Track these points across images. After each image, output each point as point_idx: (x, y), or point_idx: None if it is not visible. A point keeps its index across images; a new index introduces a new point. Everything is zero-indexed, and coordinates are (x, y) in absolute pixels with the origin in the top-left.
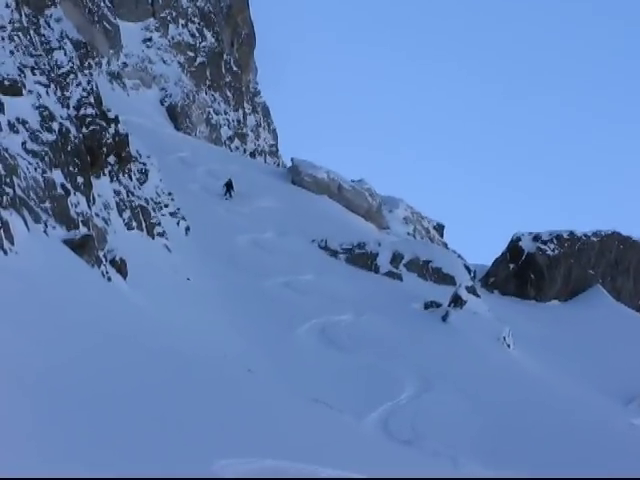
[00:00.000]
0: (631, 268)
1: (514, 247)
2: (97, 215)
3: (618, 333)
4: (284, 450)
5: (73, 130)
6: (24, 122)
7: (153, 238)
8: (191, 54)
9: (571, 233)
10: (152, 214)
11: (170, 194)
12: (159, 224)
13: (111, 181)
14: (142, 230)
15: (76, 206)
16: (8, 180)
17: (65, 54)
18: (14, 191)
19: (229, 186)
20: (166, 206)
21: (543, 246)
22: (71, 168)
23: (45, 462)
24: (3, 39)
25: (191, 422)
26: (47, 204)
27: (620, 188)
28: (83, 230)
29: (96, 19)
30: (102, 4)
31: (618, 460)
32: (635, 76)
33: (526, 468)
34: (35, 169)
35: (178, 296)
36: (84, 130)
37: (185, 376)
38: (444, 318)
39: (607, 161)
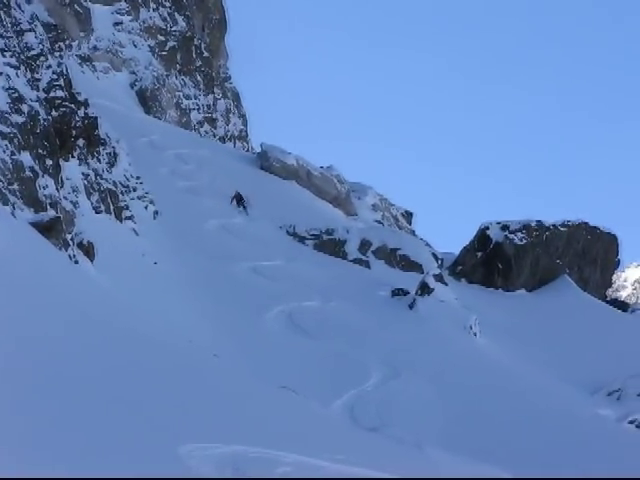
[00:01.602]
0: (598, 259)
1: (482, 236)
2: (65, 198)
3: (584, 323)
4: (250, 436)
5: (42, 112)
6: None
7: (121, 222)
8: (162, 38)
9: (539, 223)
10: (120, 198)
11: (139, 178)
12: (127, 208)
13: (80, 164)
14: (110, 213)
15: (44, 189)
16: None
17: (36, 36)
18: None
19: (239, 200)
20: (134, 190)
21: (511, 235)
22: (40, 150)
23: (3, 446)
24: None
25: (156, 407)
26: (15, 186)
27: (589, 179)
28: (51, 213)
29: (67, 2)
30: None
31: (583, 450)
32: (611, 67)
33: (491, 456)
34: (4, 151)
35: (145, 280)
36: (53, 113)
37: (150, 360)
38: (411, 306)
39: (577, 152)
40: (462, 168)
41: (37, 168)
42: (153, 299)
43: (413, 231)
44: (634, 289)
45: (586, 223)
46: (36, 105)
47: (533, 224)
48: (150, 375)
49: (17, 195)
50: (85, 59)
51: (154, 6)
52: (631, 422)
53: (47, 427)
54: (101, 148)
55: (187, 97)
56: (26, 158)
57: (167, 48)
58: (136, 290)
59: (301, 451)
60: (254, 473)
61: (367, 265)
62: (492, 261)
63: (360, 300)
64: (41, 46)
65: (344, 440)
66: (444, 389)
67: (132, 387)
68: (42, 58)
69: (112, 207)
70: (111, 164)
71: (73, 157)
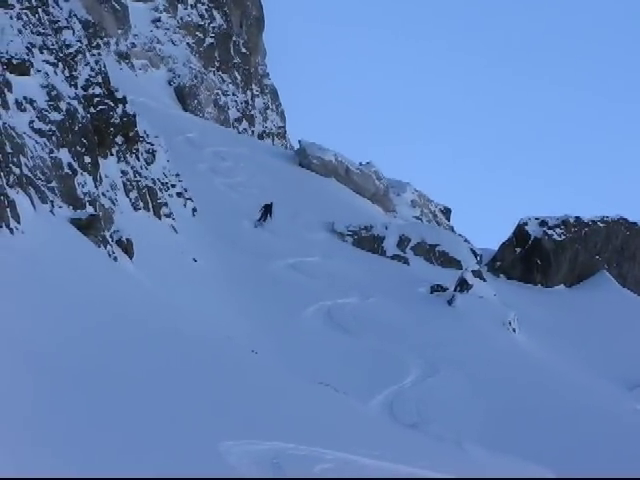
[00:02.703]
0: (637, 254)
1: (521, 232)
2: (104, 195)
3: (623, 319)
4: (289, 432)
5: (80, 110)
6: (32, 101)
7: (160, 219)
8: (200, 35)
9: (577, 218)
10: (159, 195)
11: (177, 175)
12: (166, 205)
13: (118, 161)
14: (149, 211)
15: (83, 186)
16: (15, 159)
17: (73, 34)
18: (21, 170)
19: (267, 210)
20: (173, 187)
21: (550, 231)
22: (78, 148)
23: (45, 446)
24: (12, 18)
25: (196, 403)
26: (54, 184)
27: (627, 173)
28: (90, 210)
29: None
30: None
31: (624, 446)
32: None
33: (531, 453)
34: (42, 148)
35: (184, 277)
36: (92, 110)
37: (190, 357)
38: (450, 302)
39: (614, 146)
40: (499, 164)
41: (75, 165)
42: (192, 296)
43: (452, 227)
44: None
45: (625, 219)
46: (74, 102)
47: (572, 220)
48: (190, 372)
49: (56, 192)
50: (123, 56)
51: (192, 3)
52: None
53: (87, 424)
54: (139, 145)
55: (225, 94)
56: (65, 155)
57: (205, 45)
58: (175, 287)
59: (341, 448)
60: (293, 469)
61: (406, 261)
62: (531, 257)
63: (399, 297)
64: (79, 43)
65: (383, 437)
66: (483, 386)
67: (172, 384)
68: (80, 55)
69: (151, 204)
70: (149, 161)
71: (111, 154)
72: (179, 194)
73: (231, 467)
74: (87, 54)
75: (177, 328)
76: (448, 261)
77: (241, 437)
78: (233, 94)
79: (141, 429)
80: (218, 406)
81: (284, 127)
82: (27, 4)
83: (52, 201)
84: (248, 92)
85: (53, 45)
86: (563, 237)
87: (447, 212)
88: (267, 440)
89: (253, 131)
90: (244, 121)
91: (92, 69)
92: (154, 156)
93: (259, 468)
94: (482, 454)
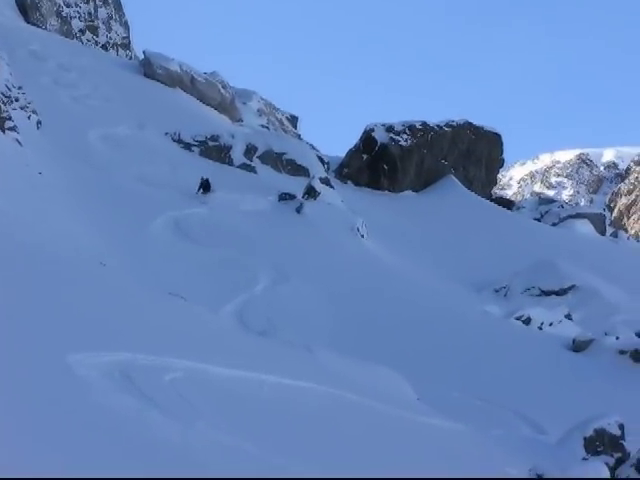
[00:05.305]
0: (483, 158)
1: (367, 138)
2: None
3: (470, 222)
4: (139, 343)
5: None
6: None
7: (4, 132)
8: None
9: (424, 124)
10: (2, 108)
11: (20, 88)
12: (10, 118)
13: None
14: None
15: None
16: None
17: None
18: None
19: (205, 186)
20: (17, 100)
21: (396, 137)
22: None
23: None
24: None
25: (42, 316)
26: None
27: (473, 75)
28: None
29: None
30: None
31: (473, 346)
32: None
33: (381, 356)
34: None
35: (30, 191)
36: None
37: (36, 270)
38: (298, 210)
39: (459, 49)
40: (343, 70)
41: None
42: (39, 209)
43: (299, 135)
44: (519, 187)
45: (470, 123)
46: None
47: (418, 125)
48: (35, 284)
49: None
50: None
51: None
52: (518, 318)
53: None
54: None
55: (68, 5)
56: None
57: None
58: (21, 200)
59: (191, 357)
60: (143, 379)
61: (253, 170)
62: (378, 163)
63: (247, 205)
64: None
65: (233, 344)
66: (332, 292)
67: (16, 297)
68: None
69: None
70: None
71: None
72: (23, 107)
73: (80, 379)
74: None
75: (22, 241)
76: (295, 169)
77: (89, 349)
78: (76, 5)
79: None
80: (64, 319)
81: (128, 38)
82: None
83: None
84: (91, 3)
85: None
86: (409, 142)
87: (294, 120)
88: (116, 351)
89: (97, 42)
90: (88, 32)
91: None
92: None
93: (109, 379)
94: (332, 358)
